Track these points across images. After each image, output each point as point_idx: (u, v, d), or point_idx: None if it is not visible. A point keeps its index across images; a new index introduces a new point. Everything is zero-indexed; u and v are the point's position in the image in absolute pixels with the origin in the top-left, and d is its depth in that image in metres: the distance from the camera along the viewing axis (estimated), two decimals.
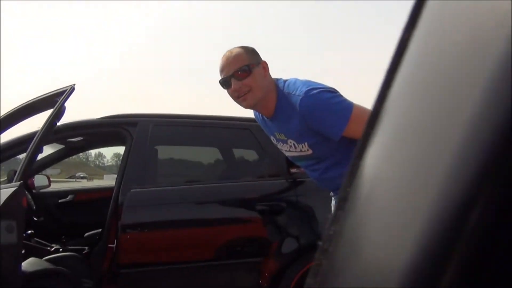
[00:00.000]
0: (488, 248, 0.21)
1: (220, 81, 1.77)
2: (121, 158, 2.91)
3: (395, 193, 0.26)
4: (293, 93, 1.70)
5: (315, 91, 1.66)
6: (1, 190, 2.05)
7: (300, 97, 1.66)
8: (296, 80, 1.77)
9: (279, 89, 1.77)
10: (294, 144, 1.81)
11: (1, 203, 1.93)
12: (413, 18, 0.29)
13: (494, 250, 0.21)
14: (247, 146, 3.03)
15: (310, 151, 1.78)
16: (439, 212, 0.22)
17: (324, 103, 1.65)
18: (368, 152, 0.30)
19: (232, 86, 1.72)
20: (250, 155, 3.11)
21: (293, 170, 2.65)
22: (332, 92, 1.69)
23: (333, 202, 2.02)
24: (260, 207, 2.54)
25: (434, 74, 0.27)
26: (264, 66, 1.77)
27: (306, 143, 1.76)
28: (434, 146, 0.24)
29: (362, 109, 1.67)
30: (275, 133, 1.88)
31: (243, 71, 1.71)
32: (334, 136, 1.67)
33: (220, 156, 3.29)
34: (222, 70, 1.76)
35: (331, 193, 2.00)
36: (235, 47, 1.80)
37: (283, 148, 1.91)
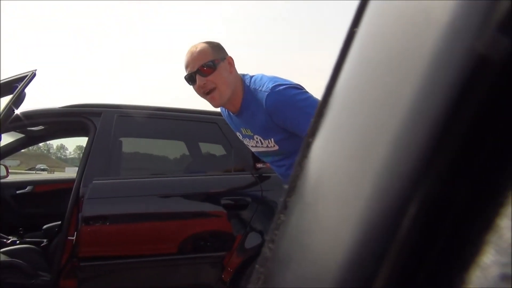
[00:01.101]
0: (424, 246, 0.21)
1: (185, 77, 1.75)
2: (83, 150, 2.83)
3: (336, 187, 0.27)
4: (259, 89, 1.70)
5: (281, 87, 1.66)
6: None
7: (266, 93, 1.66)
8: (262, 76, 1.77)
9: (245, 84, 1.76)
10: (260, 140, 1.81)
11: None
12: (357, 17, 0.30)
13: (430, 249, 0.21)
14: (214, 140, 3.01)
15: (276, 147, 1.79)
16: (375, 207, 0.23)
17: (290, 100, 1.65)
18: (315, 145, 0.30)
19: (197, 82, 1.71)
20: (217, 149, 3.09)
21: (259, 165, 2.66)
22: (298, 88, 1.70)
23: None
24: (225, 201, 2.53)
25: (372, 71, 0.27)
26: (230, 61, 1.76)
27: (272, 139, 1.77)
28: (371, 142, 0.25)
29: None
30: (241, 128, 1.88)
31: (207, 66, 1.70)
32: (300, 132, 1.68)
33: (186, 150, 3.25)
34: (187, 66, 1.74)
35: None
36: (200, 42, 1.78)
37: (249, 144, 1.91)
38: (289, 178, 0.31)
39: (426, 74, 0.22)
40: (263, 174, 2.67)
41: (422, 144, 0.21)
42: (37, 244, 3.12)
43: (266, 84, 1.69)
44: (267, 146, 1.81)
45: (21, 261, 2.60)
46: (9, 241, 3.12)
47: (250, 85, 1.75)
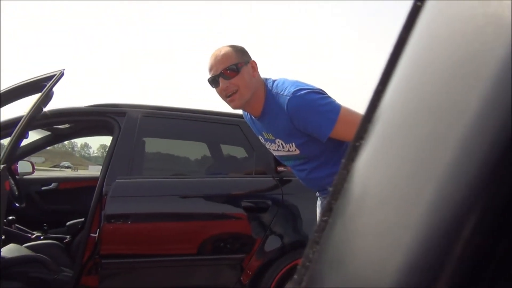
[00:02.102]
0: (486, 253, 0.21)
1: (208, 80, 1.77)
2: (107, 149, 2.88)
3: (394, 191, 0.26)
4: (281, 93, 1.71)
5: (302, 92, 1.66)
6: None
7: (288, 98, 1.67)
8: (285, 80, 1.77)
9: (267, 88, 1.77)
10: (282, 144, 1.81)
11: None
12: (410, 19, 0.29)
13: (492, 256, 0.21)
14: (236, 142, 3.02)
15: (297, 151, 1.79)
16: (438, 213, 0.22)
17: (311, 104, 1.65)
18: (362, 149, 0.30)
19: (220, 85, 1.73)
20: (238, 151, 3.10)
21: (280, 169, 2.65)
22: (320, 93, 1.69)
23: (318, 202, 2.03)
24: (246, 204, 2.53)
25: (431, 76, 0.27)
26: (253, 65, 1.78)
27: (293, 143, 1.77)
28: (435, 148, 0.24)
29: (349, 111, 1.68)
30: (263, 132, 1.88)
31: (231, 70, 1.71)
32: (321, 137, 1.68)
33: (207, 151, 3.27)
34: (210, 69, 1.76)
35: (317, 193, 2.00)
36: (224, 46, 1.79)
37: (271, 147, 1.91)
38: (333, 181, 0.31)
39: (494, 78, 0.22)
40: (284, 178, 2.67)
41: (489, 151, 0.21)
42: (60, 240, 3.18)
43: (288, 88, 1.70)
44: (289, 150, 1.81)
45: (44, 256, 2.66)
46: (33, 236, 3.19)
47: (272, 89, 1.75)
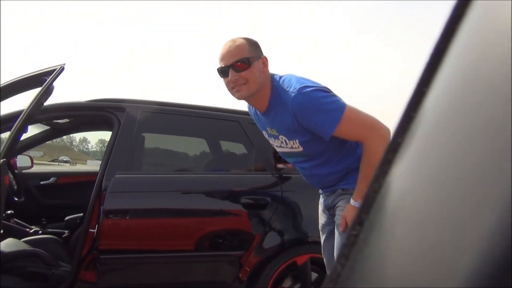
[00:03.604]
0: None
1: (218, 69, 1.77)
2: (105, 144, 2.87)
3: (435, 213, 0.24)
4: (287, 89, 1.72)
5: (308, 89, 1.67)
6: None
7: (293, 94, 1.68)
8: (291, 77, 1.78)
9: (274, 84, 1.78)
10: (285, 140, 1.82)
11: None
12: (452, 24, 0.27)
13: None
14: (235, 139, 3.01)
15: (300, 148, 1.79)
16: (494, 241, 0.20)
17: (316, 102, 1.66)
18: (395, 164, 0.28)
19: (229, 77, 1.74)
20: (238, 148, 3.10)
21: (280, 166, 2.65)
22: (326, 91, 1.70)
23: (321, 200, 2.03)
24: (245, 200, 2.52)
25: (479, 82, 0.25)
26: (264, 61, 1.79)
27: (297, 140, 1.78)
28: (489, 165, 0.22)
29: (354, 111, 1.68)
30: (267, 128, 1.89)
31: (242, 62, 1.72)
32: (325, 135, 1.68)
33: (207, 148, 3.26)
34: (222, 59, 1.76)
35: (320, 191, 2.00)
36: (238, 37, 1.80)
37: (274, 143, 1.92)
38: (365, 194, 0.29)
39: None
40: (284, 175, 2.67)
41: None
42: (59, 235, 3.17)
43: (293, 85, 1.70)
44: (292, 147, 1.82)
45: (42, 251, 2.65)
46: (32, 231, 3.19)
47: (278, 85, 1.77)
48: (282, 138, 1.83)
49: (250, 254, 2.49)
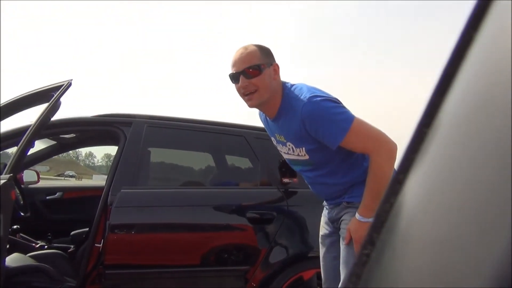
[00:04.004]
0: None
1: (229, 75, 1.81)
2: (111, 159, 2.89)
3: (449, 235, 0.23)
4: (297, 97, 1.75)
5: (318, 99, 1.70)
6: None
7: (303, 103, 1.70)
8: (303, 85, 1.81)
9: (285, 92, 1.81)
10: (292, 148, 1.84)
11: None
12: (476, 18, 0.26)
13: None
14: (241, 153, 3.02)
15: (306, 157, 1.81)
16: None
17: (325, 111, 1.68)
18: (406, 185, 0.28)
19: (240, 83, 1.76)
20: (243, 162, 3.10)
21: (286, 180, 2.64)
22: (335, 102, 1.73)
23: (324, 212, 2.02)
24: (251, 215, 2.52)
25: (494, 100, 0.24)
26: (275, 68, 1.81)
27: (303, 148, 1.79)
28: (495, 181, 0.21)
29: (363, 123, 1.71)
30: (276, 134, 1.92)
31: (253, 69, 1.75)
32: (331, 145, 1.71)
33: (213, 162, 3.27)
34: (233, 65, 1.79)
35: (324, 203, 2.00)
36: (250, 44, 1.83)
37: (282, 150, 1.94)
38: (376, 213, 0.29)
39: None
40: (290, 189, 2.66)
41: None
42: (64, 249, 3.17)
43: (304, 93, 1.74)
44: (298, 155, 1.83)
45: (48, 266, 2.65)
46: (37, 246, 3.19)
47: (289, 93, 1.80)
48: (289, 145, 1.85)
49: (256, 269, 2.47)
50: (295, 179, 2.64)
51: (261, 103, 1.79)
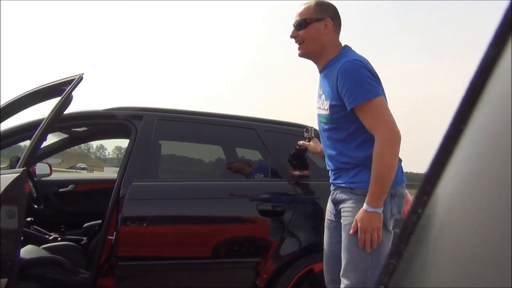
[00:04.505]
0: None
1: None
2: (122, 151, 2.92)
3: (485, 252, 0.23)
4: (346, 57, 1.90)
5: (360, 63, 1.84)
6: (4, 175, 2.05)
7: (346, 60, 1.86)
8: (359, 54, 1.95)
9: (341, 51, 1.96)
10: (323, 100, 1.98)
11: (4, 188, 1.93)
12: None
13: None
14: (251, 146, 3.03)
15: (328, 111, 1.94)
16: None
17: (358, 73, 1.82)
18: (435, 196, 0.27)
19: (291, 33, 1.99)
20: (254, 155, 3.10)
21: (296, 173, 2.64)
22: (373, 75, 1.85)
23: (330, 197, 2.08)
24: (262, 207, 2.52)
25: None
26: (327, 24, 1.94)
27: (329, 102, 1.92)
28: None
29: (383, 104, 1.83)
30: (319, 87, 2.05)
31: (302, 22, 1.95)
32: (348, 103, 1.82)
33: (223, 155, 3.28)
34: (295, 16, 2.00)
35: (331, 187, 2.07)
36: None
37: (317, 104, 2.07)
38: (403, 224, 0.28)
39: None
40: (300, 182, 2.66)
41: None
42: (77, 241, 3.21)
43: (354, 56, 1.89)
44: (324, 108, 1.96)
45: (62, 258, 2.69)
46: (51, 238, 3.24)
47: (344, 53, 1.95)
48: (322, 97, 1.99)
49: (267, 261, 2.48)
50: (305, 172, 2.64)
51: (307, 54, 1.98)
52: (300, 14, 1.95)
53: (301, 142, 2.43)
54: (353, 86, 1.81)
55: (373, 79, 1.83)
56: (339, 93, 1.85)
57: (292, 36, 1.98)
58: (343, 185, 1.96)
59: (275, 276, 2.48)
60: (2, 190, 1.93)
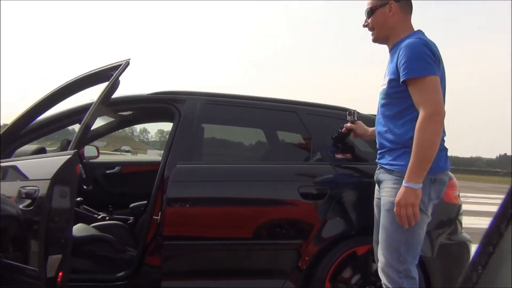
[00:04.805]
0: None
1: None
2: (164, 134, 2.98)
3: None
4: (414, 37, 1.97)
5: (423, 42, 1.91)
6: (57, 157, 2.15)
7: (411, 38, 1.95)
8: (427, 37, 2.00)
9: (411, 34, 2.02)
10: (385, 76, 2.06)
11: (57, 169, 2.01)
12: None
13: None
14: (293, 129, 3.02)
15: (385, 86, 2.02)
16: None
17: (418, 49, 1.88)
18: None
19: (363, 22, 2.12)
20: (296, 138, 3.09)
21: (339, 156, 2.62)
22: (433, 56, 1.89)
23: (375, 176, 2.14)
24: (303, 190, 2.52)
25: None
26: (392, 7, 2.04)
27: (388, 77, 2.00)
28: None
29: (436, 84, 1.88)
30: (386, 67, 2.11)
31: (369, 10, 2.09)
32: (403, 75, 1.88)
33: (264, 138, 3.29)
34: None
35: (376, 161, 2.13)
36: None
37: (382, 82, 2.10)
38: (503, 205, 0.28)
39: None
40: (342, 165, 2.64)
41: None
42: (124, 221, 3.33)
43: (419, 36, 1.97)
44: (384, 84, 2.04)
45: (111, 236, 2.80)
46: (99, 217, 3.37)
47: (413, 34, 2.01)
48: (386, 74, 2.06)
49: (309, 243, 2.49)
50: (348, 155, 2.62)
51: (378, 40, 2.10)
52: (368, 3, 2.08)
53: (348, 124, 2.42)
54: (411, 59, 1.87)
55: (432, 59, 1.88)
56: (397, 67, 1.92)
57: (364, 25, 2.11)
58: (385, 166, 2.01)
59: (317, 258, 2.49)
60: (55, 171, 2.01)
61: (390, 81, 1.98)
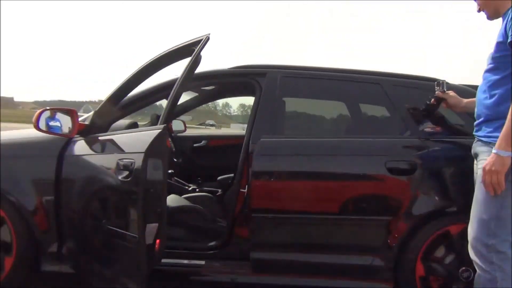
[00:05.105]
0: None
1: None
2: (246, 108, 3.02)
3: None
4: None
5: None
6: (148, 132, 2.26)
7: None
8: None
9: None
10: (494, 43, 1.98)
11: (149, 143, 2.12)
12: None
13: None
14: (377, 101, 2.88)
15: (492, 50, 1.96)
16: None
17: None
18: None
19: (476, 7, 2.11)
20: (380, 111, 2.97)
21: (428, 129, 2.48)
22: None
23: (474, 144, 2.06)
24: (390, 165, 2.43)
25: None
26: None
27: (496, 41, 1.93)
28: None
29: None
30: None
31: None
32: (510, 35, 1.82)
33: (345, 111, 3.19)
34: None
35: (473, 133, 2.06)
36: None
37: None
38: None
39: None
40: (431, 139, 2.51)
41: None
42: (213, 193, 3.47)
43: None
44: (491, 49, 1.97)
45: (201, 207, 2.94)
46: (190, 189, 3.54)
47: None
48: (494, 45, 1.99)
49: (398, 220, 2.41)
50: (437, 128, 2.48)
51: (491, 17, 2.06)
52: None
53: (439, 93, 2.31)
54: None
55: None
56: (506, 29, 1.86)
57: (478, 10, 2.10)
58: (482, 138, 1.96)
59: (408, 237, 2.41)
60: (147, 145, 2.11)
61: (497, 44, 1.92)
